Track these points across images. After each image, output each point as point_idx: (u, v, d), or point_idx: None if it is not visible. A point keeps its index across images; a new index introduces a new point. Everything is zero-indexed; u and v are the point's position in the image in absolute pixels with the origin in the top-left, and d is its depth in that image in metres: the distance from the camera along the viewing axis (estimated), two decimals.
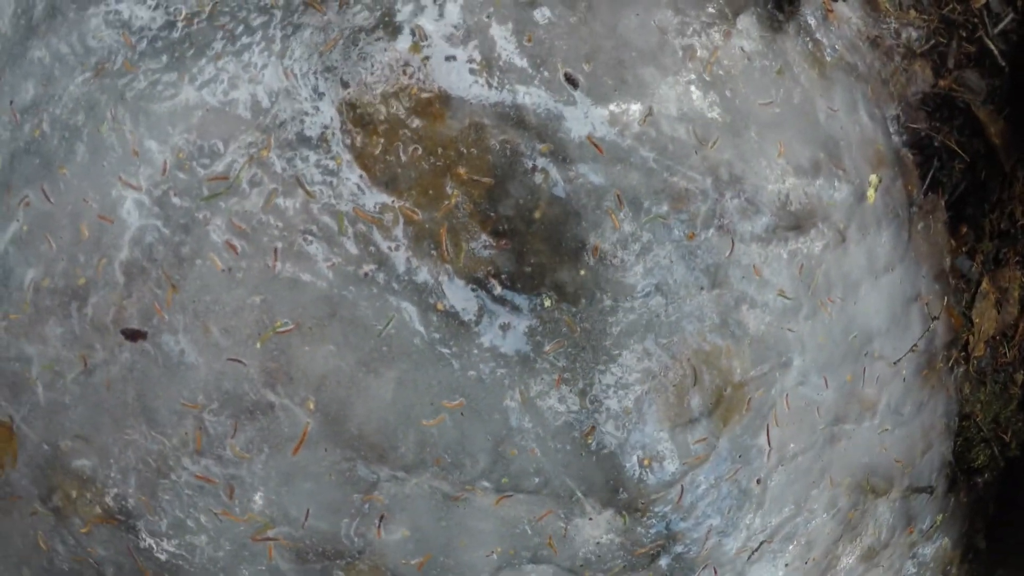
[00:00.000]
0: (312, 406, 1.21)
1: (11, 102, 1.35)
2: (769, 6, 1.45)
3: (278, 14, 1.34)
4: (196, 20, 1.33)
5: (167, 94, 1.30)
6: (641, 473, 1.27)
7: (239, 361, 1.21)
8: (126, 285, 1.27)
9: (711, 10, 1.41)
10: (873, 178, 1.46)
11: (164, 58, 1.33)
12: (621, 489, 1.28)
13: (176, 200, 1.27)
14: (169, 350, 1.24)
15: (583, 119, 1.27)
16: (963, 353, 1.57)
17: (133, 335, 1.24)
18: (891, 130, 1.57)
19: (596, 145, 1.25)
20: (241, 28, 1.33)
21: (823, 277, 1.39)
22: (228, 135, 1.29)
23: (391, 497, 1.24)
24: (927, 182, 1.55)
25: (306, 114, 1.28)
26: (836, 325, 1.41)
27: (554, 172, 1.25)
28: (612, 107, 1.28)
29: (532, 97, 1.28)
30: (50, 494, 1.30)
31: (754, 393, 1.34)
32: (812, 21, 1.53)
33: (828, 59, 1.51)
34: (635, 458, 1.27)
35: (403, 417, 1.22)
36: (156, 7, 1.34)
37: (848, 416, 1.47)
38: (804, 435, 1.41)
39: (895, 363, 1.46)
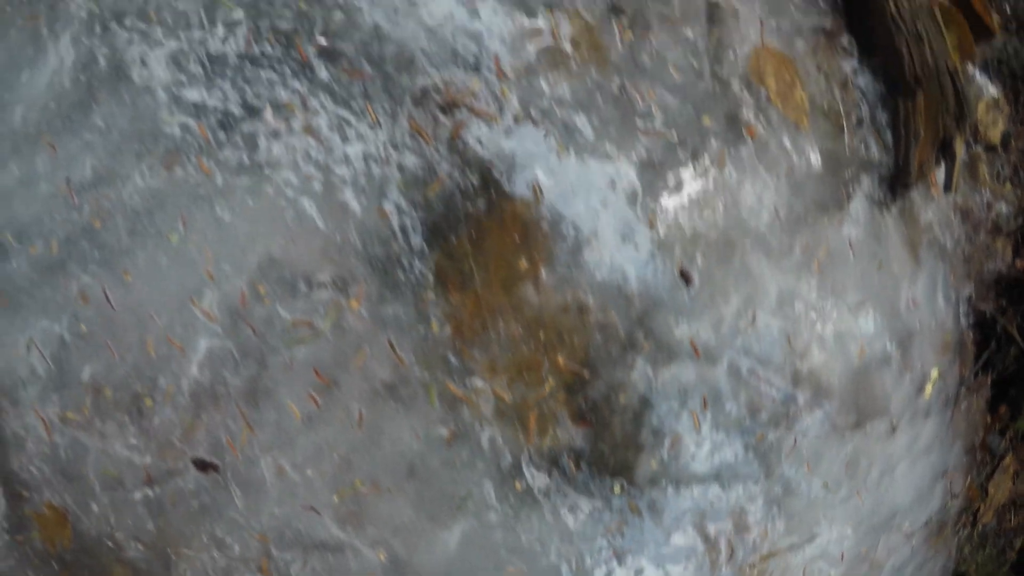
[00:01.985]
0: (383, 557, 1.25)
1: (67, 179, 1.19)
2: (882, 189, 1.39)
3: (382, 135, 1.19)
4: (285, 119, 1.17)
5: (246, 205, 1.17)
6: None
7: (314, 510, 1.23)
8: (195, 411, 1.23)
9: (827, 193, 1.34)
10: (934, 372, 1.50)
11: (244, 157, 1.18)
12: None
13: (255, 337, 1.20)
14: (240, 483, 1.24)
15: (688, 318, 1.24)
16: (971, 518, 1.68)
17: (204, 466, 1.22)
18: (961, 312, 1.58)
19: (695, 348, 1.24)
20: (336, 139, 1.19)
21: (866, 466, 1.47)
22: (312, 270, 1.19)
23: None
24: (980, 363, 1.59)
25: (401, 266, 1.20)
26: (866, 507, 1.51)
27: (648, 367, 1.24)
28: (720, 307, 1.25)
29: (642, 284, 1.22)
30: None
31: (775, 567, 1.46)
32: (917, 199, 1.47)
33: (923, 239, 1.48)
34: None
35: (466, 572, 1.28)
36: (229, 99, 1.16)
37: None
38: None
39: (909, 535, 1.59)
